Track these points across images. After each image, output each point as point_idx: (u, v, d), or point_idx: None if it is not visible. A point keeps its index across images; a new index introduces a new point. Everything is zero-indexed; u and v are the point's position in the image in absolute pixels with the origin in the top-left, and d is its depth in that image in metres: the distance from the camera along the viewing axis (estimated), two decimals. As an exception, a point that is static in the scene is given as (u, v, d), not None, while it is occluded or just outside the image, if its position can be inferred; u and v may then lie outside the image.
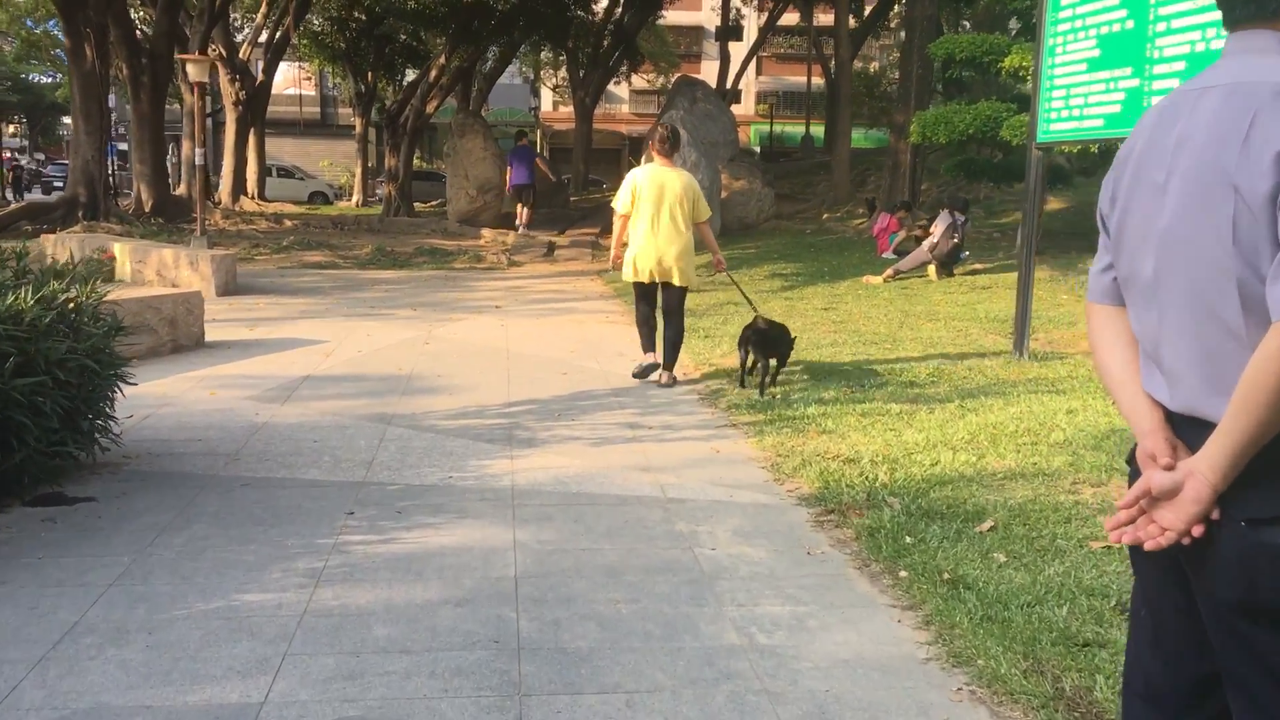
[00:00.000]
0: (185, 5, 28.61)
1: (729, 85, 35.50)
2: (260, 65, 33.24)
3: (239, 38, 35.46)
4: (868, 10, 32.05)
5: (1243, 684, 1.73)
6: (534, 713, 2.95)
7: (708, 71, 44.09)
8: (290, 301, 11.95)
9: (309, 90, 52.59)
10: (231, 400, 6.84)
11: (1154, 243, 1.80)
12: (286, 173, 43.65)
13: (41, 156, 60.52)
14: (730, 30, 36.67)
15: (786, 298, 12.39)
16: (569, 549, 4.24)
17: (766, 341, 7.21)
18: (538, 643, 3.38)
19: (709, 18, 55.20)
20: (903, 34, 47.59)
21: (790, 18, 42.72)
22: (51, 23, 40.58)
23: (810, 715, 2.97)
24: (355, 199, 37.67)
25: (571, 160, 34.94)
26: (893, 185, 18.19)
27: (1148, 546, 1.76)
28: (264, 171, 35.56)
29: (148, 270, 13.20)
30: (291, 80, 50.79)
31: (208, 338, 9.08)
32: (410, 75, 32.21)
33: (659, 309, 7.67)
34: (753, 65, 43.30)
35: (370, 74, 34.56)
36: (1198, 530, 1.70)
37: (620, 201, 7.48)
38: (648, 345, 7.77)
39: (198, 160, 16.90)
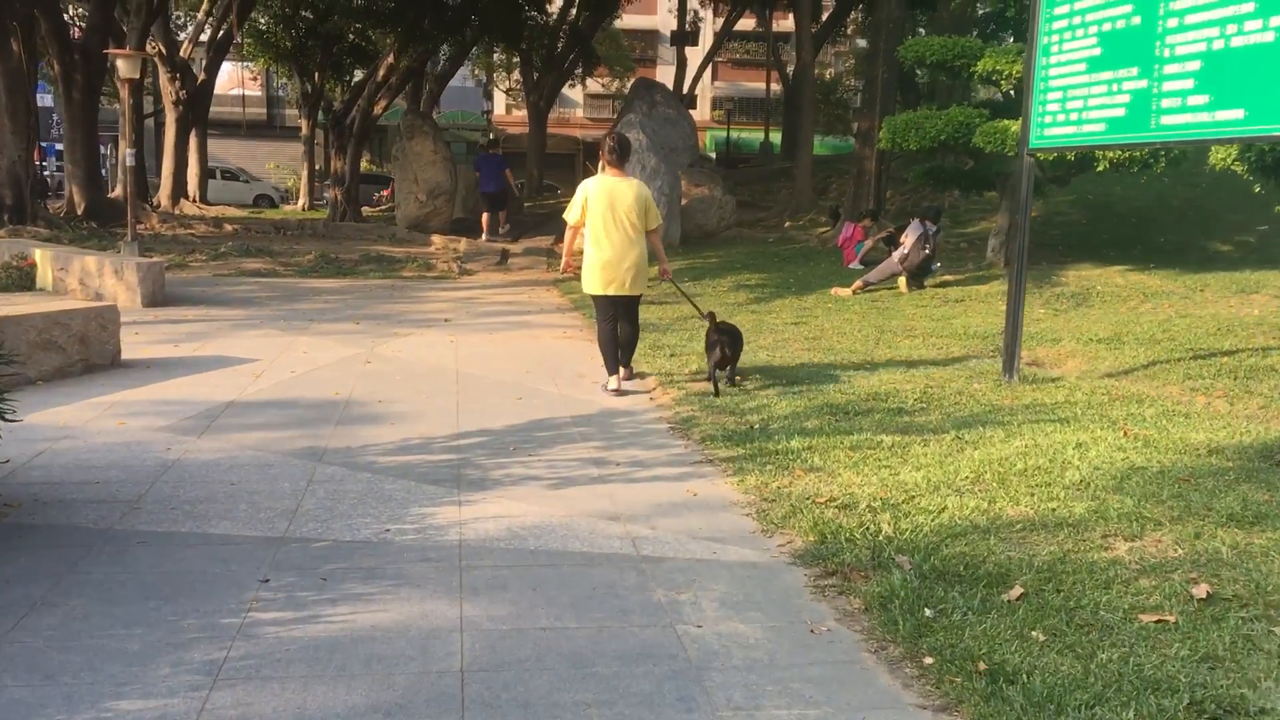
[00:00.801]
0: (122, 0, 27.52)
1: (685, 90, 34.96)
2: (202, 64, 32.15)
3: (181, 35, 34.32)
4: (825, 15, 31.63)
5: None
6: None
7: (663, 76, 43.53)
8: (223, 314, 11.11)
9: (255, 91, 51.29)
10: (141, 431, 6.05)
11: None
12: (231, 175, 42.48)
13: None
14: (686, 35, 36.08)
15: (753, 310, 11.76)
16: (527, 629, 3.54)
17: (736, 340, 7.59)
18: (489, 771, 2.67)
19: (665, 21, 54.76)
20: (858, 41, 47.40)
21: (747, 22, 42.35)
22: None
23: None
24: (301, 203, 36.65)
25: (525, 165, 34.14)
26: (857, 193, 17.66)
27: None
28: (205, 174, 34.42)
29: (70, 279, 12.28)
30: (237, 80, 49.53)
31: (126, 355, 8.25)
32: (359, 75, 31.23)
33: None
34: (708, 70, 42.83)
35: (317, 74, 33.56)
36: None
37: (571, 213, 7.44)
38: (611, 365, 7.63)
39: (129, 161, 15.96)
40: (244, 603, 3.68)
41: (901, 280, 13.17)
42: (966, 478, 5.22)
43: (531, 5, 27.56)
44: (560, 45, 32.12)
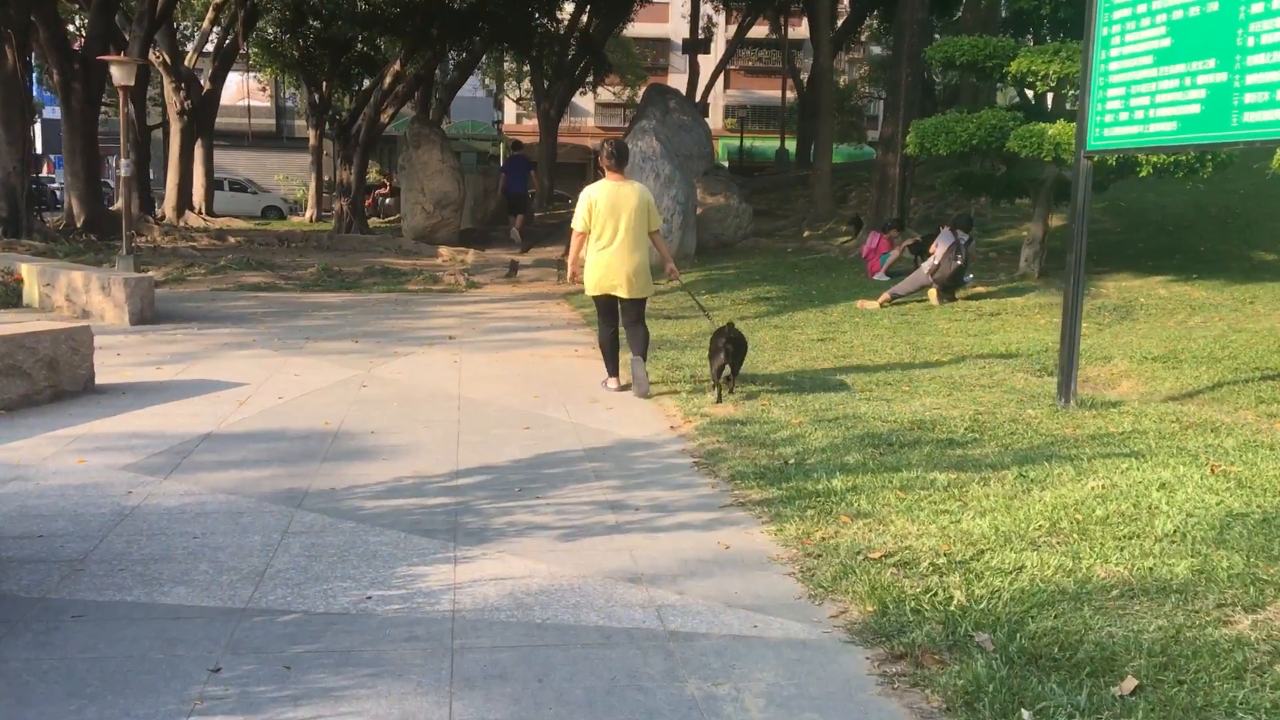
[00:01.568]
0: (125, 8, 27.03)
1: (698, 98, 34.32)
2: (208, 74, 31.65)
3: (187, 45, 33.85)
4: (840, 21, 30.95)
5: None
6: None
7: (675, 84, 42.82)
8: (214, 332, 10.48)
9: (263, 101, 50.87)
10: (102, 471, 5.39)
11: None
12: (239, 187, 42.01)
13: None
14: (699, 42, 35.44)
15: (775, 325, 11.08)
16: (531, 739, 2.86)
17: (740, 348, 7.38)
18: None
19: (676, 29, 54.22)
20: (872, 48, 46.74)
21: (759, 30, 41.71)
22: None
23: None
24: (309, 214, 36.06)
25: (536, 175, 33.54)
26: (880, 201, 16.97)
27: None
28: (211, 185, 33.91)
29: (56, 295, 11.69)
30: (246, 91, 49.13)
31: (102, 380, 7.61)
32: (368, 85, 30.67)
33: (620, 325, 7.77)
34: (720, 78, 42.20)
35: (325, 83, 33.01)
36: None
37: (578, 219, 7.50)
38: (612, 369, 7.80)
39: (124, 172, 15.36)
40: (186, 702, 3.01)
41: (932, 292, 12.47)
42: (1040, 527, 4.52)
43: (542, 12, 26.97)
44: (571, 52, 31.52)
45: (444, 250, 19.60)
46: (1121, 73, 6.65)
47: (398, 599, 3.79)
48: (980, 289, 13.04)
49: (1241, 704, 2.99)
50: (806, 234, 19.27)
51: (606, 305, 7.64)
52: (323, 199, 36.69)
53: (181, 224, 28.03)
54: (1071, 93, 12.05)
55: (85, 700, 3.02)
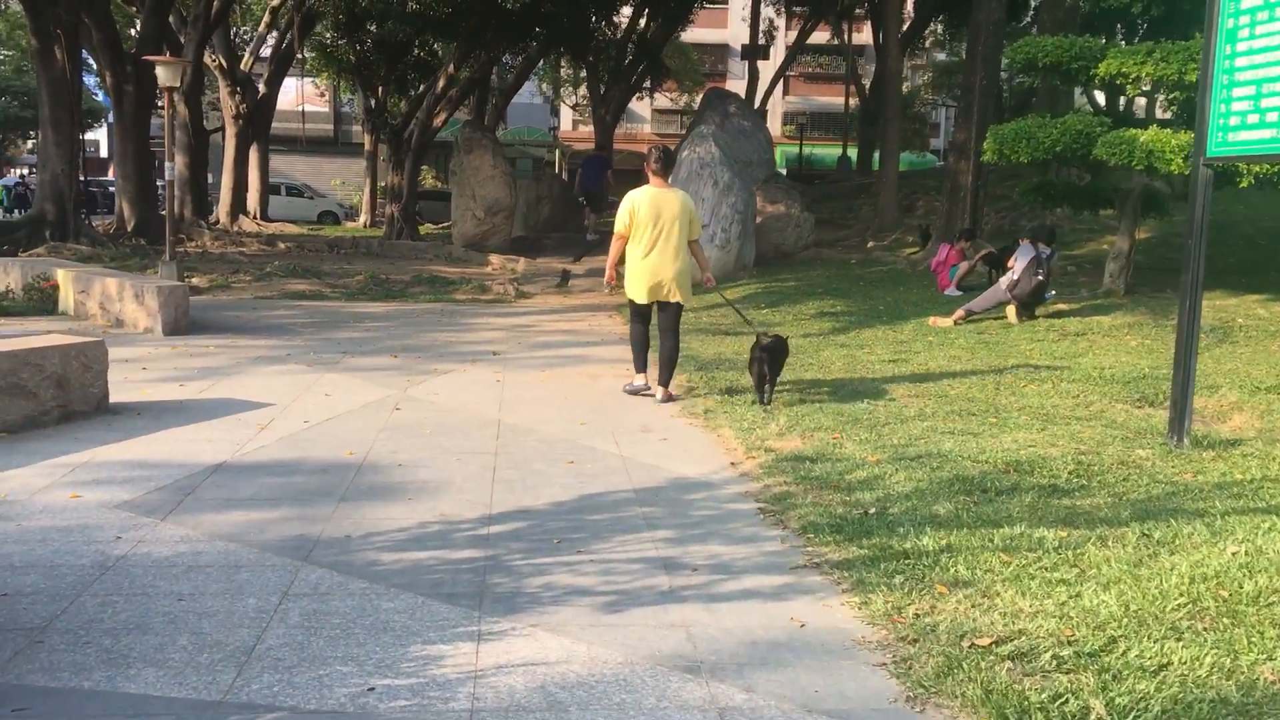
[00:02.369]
0: (181, 10, 26.92)
1: (757, 105, 33.57)
2: (264, 78, 31.52)
3: (245, 50, 33.78)
4: (905, 25, 30.02)
5: None
6: None
7: (733, 90, 42.21)
8: (249, 344, 9.96)
9: (321, 107, 50.92)
10: (94, 509, 4.81)
11: None
12: (296, 192, 42.00)
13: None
14: (758, 48, 34.67)
15: (842, 344, 10.32)
16: None
17: (776, 357, 7.38)
18: None
19: (735, 35, 53.46)
20: (937, 54, 45.64)
21: (820, 35, 40.86)
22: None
23: None
24: (364, 219, 35.87)
25: (612, 175, 32.97)
26: (951, 211, 16.11)
27: None
28: (266, 190, 33.81)
29: (90, 302, 11.29)
30: (304, 96, 49.24)
31: (120, 398, 7.09)
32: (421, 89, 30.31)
33: (654, 325, 7.79)
34: (779, 84, 41.37)
35: (381, 89, 32.74)
36: None
37: (619, 223, 7.55)
38: (641, 365, 7.88)
39: (169, 175, 15.00)
40: (123, 845, 2.37)
41: (1010, 309, 11.63)
42: (1180, 605, 3.76)
43: (599, 14, 26.42)
44: (628, 58, 30.94)
45: (494, 258, 19.06)
46: (1250, 69, 5.84)
47: (406, 692, 3.13)
48: (1062, 306, 12.16)
49: None
50: (871, 245, 18.45)
51: (641, 310, 7.76)
52: (377, 204, 36.47)
53: (235, 228, 27.87)
54: (1170, 95, 11.15)
55: (-1, 838, 2.40)
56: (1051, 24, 17.13)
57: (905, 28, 29.42)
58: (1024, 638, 3.51)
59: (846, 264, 17.06)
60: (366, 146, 36.13)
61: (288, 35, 30.19)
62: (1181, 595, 3.85)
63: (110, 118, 43.16)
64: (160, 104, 35.53)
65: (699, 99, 35.11)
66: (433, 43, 29.16)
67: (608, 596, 3.92)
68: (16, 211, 36.62)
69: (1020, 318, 11.57)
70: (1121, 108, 13.98)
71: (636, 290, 7.57)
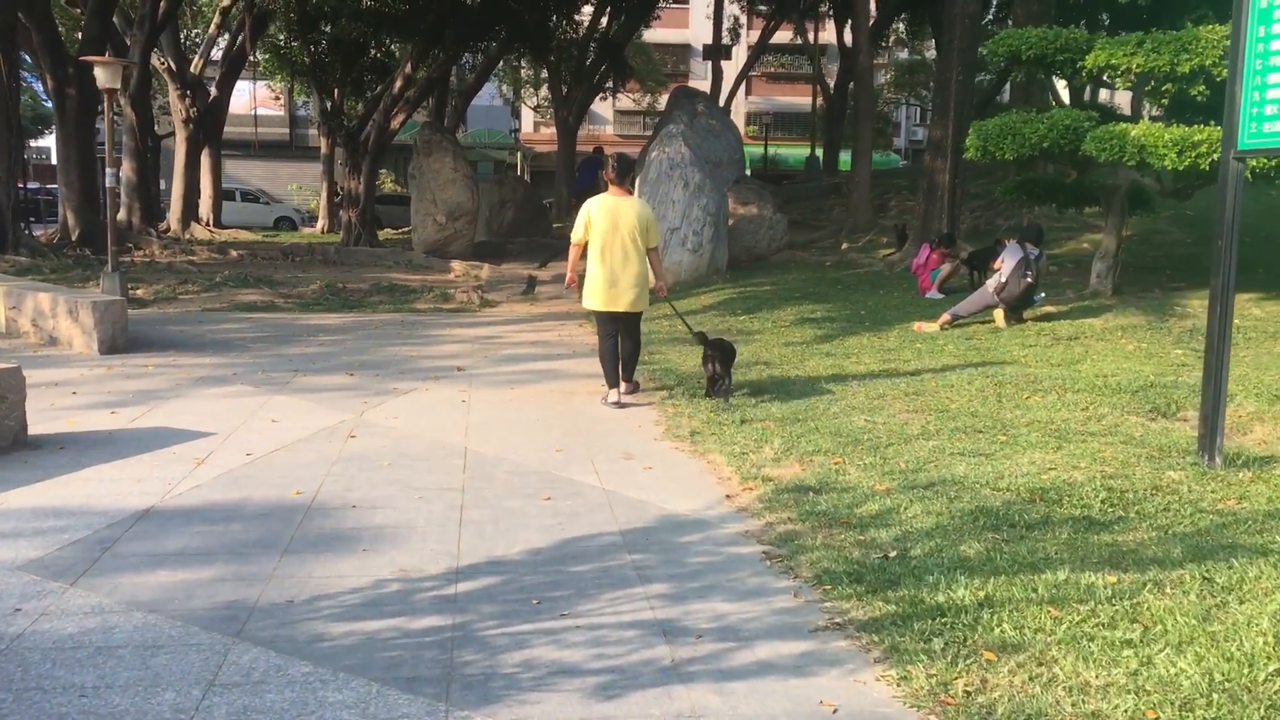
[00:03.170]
0: (127, 11, 25.98)
1: (721, 105, 33.03)
2: (215, 81, 30.56)
3: (196, 53, 32.77)
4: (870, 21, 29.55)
5: None
6: None
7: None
8: (192, 362, 9.24)
9: (276, 110, 49.87)
10: (-6, 572, 4.13)
11: None
12: (251, 197, 40.97)
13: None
14: (721, 48, 34.15)
15: (827, 353, 9.76)
16: None
17: (727, 356, 7.66)
18: None
19: (698, 35, 52.98)
20: (896, 52, 45.39)
21: (782, 35, 40.42)
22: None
23: None
24: (321, 225, 34.98)
25: (554, 184, 32.34)
26: (928, 211, 15.61)
27: None
28: (219, 196, 32.82)
29: (22, 319, 10.51)
30: (259, 100, 48.20)
31: (39, 429, 6.38)
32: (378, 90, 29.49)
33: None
34: (741, 85, 40.89)
35: (337, 90, 31.87)
36: None
37: (576, 231, 7.62)
38: (612, 380, 7.78)
39: (108, 182, 14.22)
40: None
41: (998, 313, 11.12)
42: (1275, 672, 3.20)
43: (560, 12, 25.77)
44: (590, 57, 30.31)
45: (457, 265, 18.37)
46: (1287, 53, 5.32)
47: (355, 825, 2.49)
48: (1050, 309, 11.67)
49: None
50: (845, 246, 17.93)
51: (607, 320, 7.75)
52: (334, 209, 35.59)
53: (187, 236, 26.94)
54: (1162, 86, 10.69)
55: None
56: (1026, 17, 16.69)
57: (870, 24, 28.99)
58: (1101, 722, 2.94)
59: (821, 266, 16.53)
60: (323, 150, 35.25)
61: (239, 37, 29.29)
62: (1271, 659, 3.29)
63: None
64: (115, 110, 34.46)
65: (662, 100, 34.50)
66: (390, 43, 28.39)
67: (599, 676, 3.30)
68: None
69: (1009, 321, 11.08)
70: (1085, 102, 13.51)
71: (594, 298, 7.61)
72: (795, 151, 49.71)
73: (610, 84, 33.70)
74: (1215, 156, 10.37)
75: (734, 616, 3.79)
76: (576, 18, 29.15)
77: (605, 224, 7.46)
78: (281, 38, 31.59)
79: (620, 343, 7.74)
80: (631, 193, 7.78)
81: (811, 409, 7.27)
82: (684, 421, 6.98)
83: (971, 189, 19.02)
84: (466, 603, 3.88)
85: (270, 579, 4.08)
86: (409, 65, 21.19)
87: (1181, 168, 10.50)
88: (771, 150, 47.52)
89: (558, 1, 23.96)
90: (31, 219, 22.96)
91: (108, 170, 14.06)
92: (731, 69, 39.68)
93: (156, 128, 37.02)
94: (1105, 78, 11.27)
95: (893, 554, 4.32)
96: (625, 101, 48.59)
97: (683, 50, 55.06)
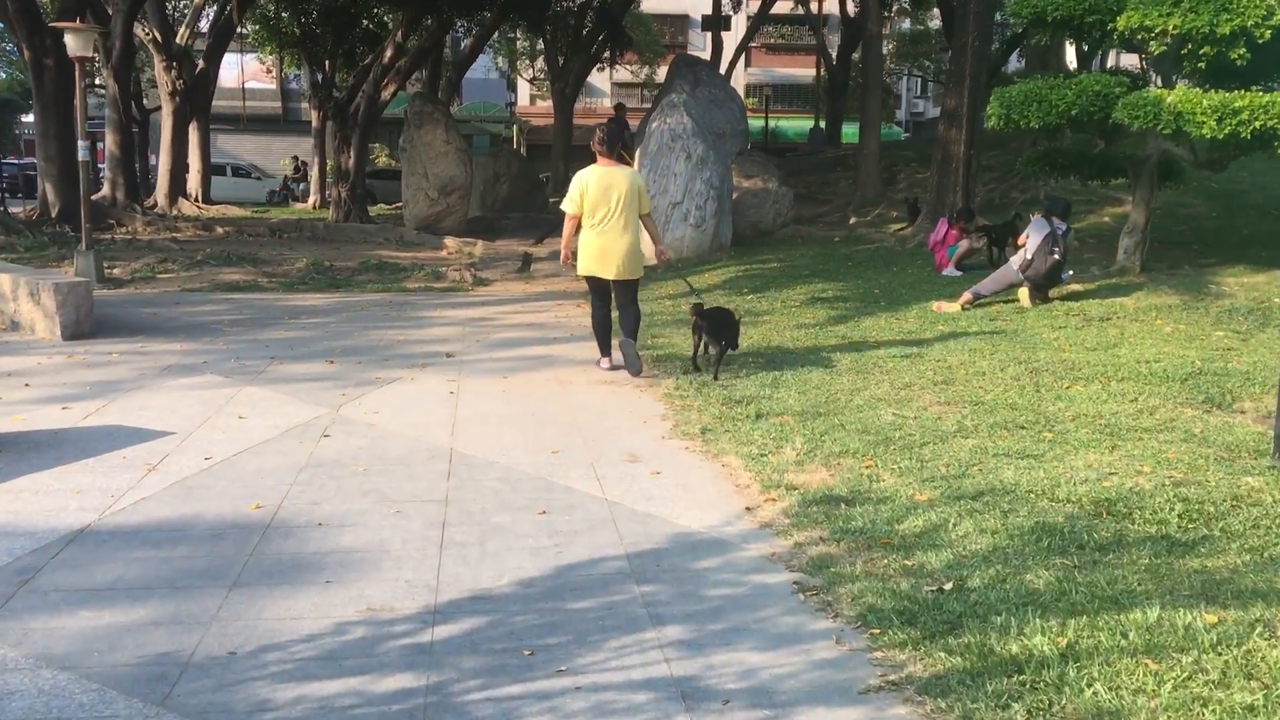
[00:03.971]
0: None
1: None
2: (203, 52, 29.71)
3: (184, 25, 31.88)
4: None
5: None
6: None
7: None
8: (161, 349, 8.57)
9: (269, 84, 48.93)
10: (-116, 614, 3.48)
11: None
12: (243, 172, 40.16)
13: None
14: (720, 18, 33.25)
15: (843, 336, 9.11)
16: None
17: (717, 328, 7.40)
18: None
19: (695, 5, 51.97)
20: (902, 23, 44.40)
21: (783, 5, 39.50)
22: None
23: None
24: (313, 200, 34.19)
25: (550, 157, 31.55)
26: (942, 183, 14.91)
27: None
28: (208, 170, 32.03)
29: (-17, 302, 9.80)
30: (251, 73, 47.31)
31: (-20, 428, 5.72)
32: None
33: (614, 307, 7.85)
34: (741, 56, 40.00)
35: (328, 63, 31.01)
36: None
37: (569, 202, 7.64)
38: (605, 349, 7.95)
39: (81, 155, 13.51)
40: None
41: (1023, 292, 10.46)
42: None
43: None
44: (587, 27, 29.45)
45: (449, 241, 17.66)
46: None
47: None
48: (1076, 287, 11.00)
49: None
50: (854, 220, 17.23)
51: (599, 286, 7.78)
52: (326, 184, 34.80)
53: (175, 212, 26.18)
54: (1200, 50, 9.97)
55: None
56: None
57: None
58: (1247, 834, 2.30)
59: (830, 242, 15.83)
60: (314, 124, 34.42)
61: (227, 7, 28.41)
62: None
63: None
64: (93, 80, 33.56)
65: (661, 72, 33.61)
66: (381, 14, 27.55)
67: (607, 761, 2.66)
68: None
69: (1034, 301, 10.41)
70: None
71: (588, 264, 7.63)
72: (796, 124, 48.87)
73: (608, 55, 32.87)
74: (1259, 124, 9.72)
75: (766, 672, 3.14)
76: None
77: (598, 193, 7.48)
78: (271, 8, 30.71)
79: (621, 315, 7.76)
80: (623, 161, 7.80)
81: (833, 401, 6.62)
82: (694, 416, 6.33)
83: (984, 160, 18.28)
84: (445, 654, 3.23)
85: (212, 622, 3.43)
86: (399, 34, 20.39)
87: (1221, 136, 9.81)
88: (772, 123, 46.62)
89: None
90: (19, 194, 22.19)
91: (80, 143, 13.38)
92: (731, 40, 38.76)
93: (145, 101, 36.25)
94: (1138, 40, 10.54)
95: (948, 586, 3.68)
96: (623, 74, 47.68)
97: (681, 21, 54.07)
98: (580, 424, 6.23)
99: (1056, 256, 10.26)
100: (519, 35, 41.47)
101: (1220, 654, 3.15)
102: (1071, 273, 10.86)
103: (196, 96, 29.12)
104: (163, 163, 28.37)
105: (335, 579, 3.81)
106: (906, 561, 3.93)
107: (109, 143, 24.42)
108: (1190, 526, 4.26)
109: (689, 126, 14.75)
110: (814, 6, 37.24)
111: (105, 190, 24.97)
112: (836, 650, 3.29)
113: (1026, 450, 5.42)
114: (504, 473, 5.20)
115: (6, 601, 3.59)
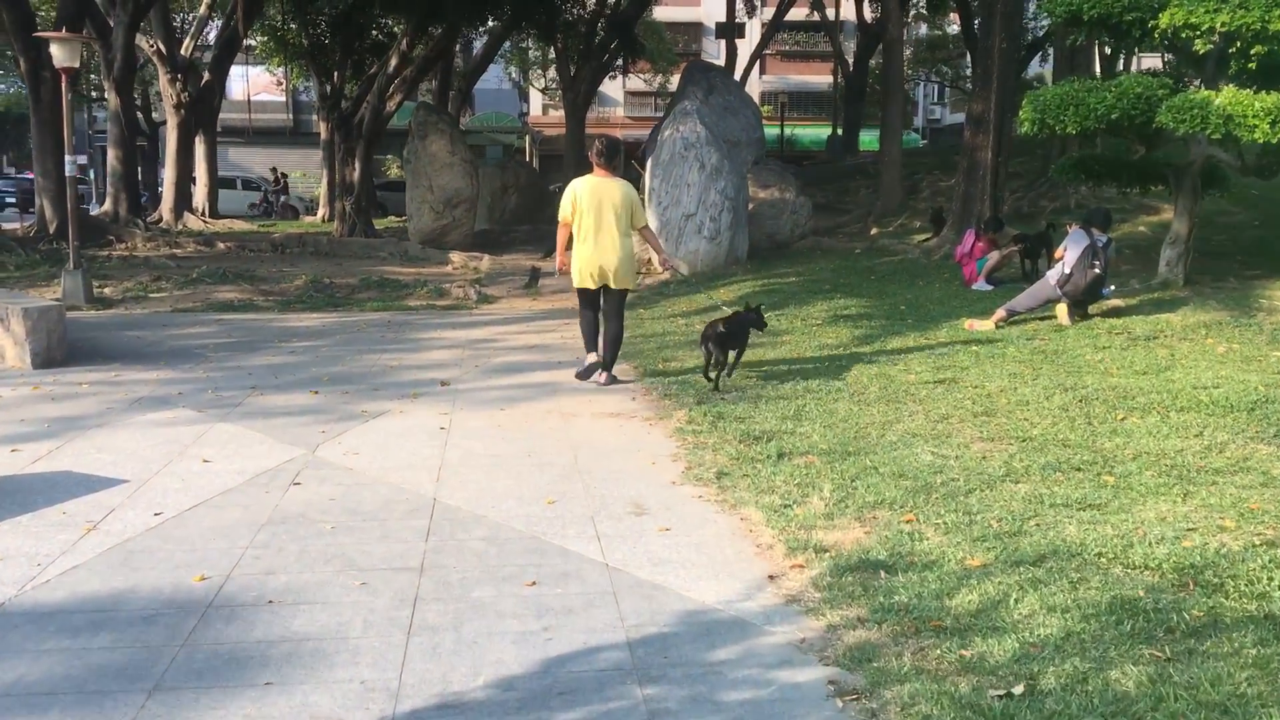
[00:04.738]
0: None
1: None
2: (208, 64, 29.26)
3: (188, 37, 31.46)
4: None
5: None
6: None
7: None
8: (135, 378, 7.98)
9: (279, 96, 48.60)
10: None
11: None
12: (253, 185, 39.73)
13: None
14: (734, 26, 32.63)
15: (870, 359, 8.44)
16: None
17: (724, 341, 7.40)
18: None
19: (709, 13, 51.53)
20: (919, 28, 43.72)
21: (798, 12, 38.89)
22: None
23: None
24: (321, 213, 33.70)
25: (562, 167, 30.96)
26: (968, 192, 14.24)
27: None
28: (215, 184, 31.54)
29: (-46, 327, 9.22)
30: (261, 86, 46.98)
31: (-88, 477, 5.12)
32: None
33: (601, 313, 7.89)
34: (756, 64, 39.40)
35: (336, 74, 30.52)
36: None
37: (562, 211, 7.71)
38: (591, 345, 8.02)
39: (69, 170, 13.00)
40: None
41: (1061, 309, 9.76)
42: None
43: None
44: (599, 35, 28.88)
45: (455, 256, 17.07)
46: None
47: None
48: (1118, 303, 10.32)
49: None
50: (875, 231, 16.57)
51: (589, 297, 7.90)
52: (334, 197, 34.31)
53: (180, 226, 25.72)
54: (1251, 49, 9.29)
55: None
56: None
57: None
58: None
59: (851, 254, 15.17)
60: (323, 135, 33.95)
61: (233, 18, 27.96)
62: None
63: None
64: (95, 94, 33.12)
65: (674, 80, 33.00)
66: (390, 24, 27.07)
67: None
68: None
69: (1073, 318, 9.72)
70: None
71: (580, 276, 7.72)
72: (812, 132, 48.24)
73: (620, 63, 32.29)
74: (1318, 127, 9.04)
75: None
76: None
77: (590, 203, 7.55)
78: (278, 19, 30.26)
79: (604, 325, 7.83)
80: (618, 174, 7.86)
81: (863, 436, 5.97)
82: (708, 456, 5.68)
83: (1011, 167, 17.60)
84: (397, 792, 2.59)
85: (118, 745, 2.80)
86: (405, 43, 19.85)
87: (1276, 140, 9.12)
88: (788, 131, 45.98)
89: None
90: (30, 209, 21.76)
91: (67, 158, 12.84)
92: (745, 47, 38.16)
93: (155, 114, 35.87)
94: (1181, 39, 9.86)
95: (1018, 689, 3.02)
96: (636, 83, 47.13)
97: (695, 29, 53.57)
98: (582, 466, 5.59)
99: (1097, 270, 9.58)
100: (530, 44, 40.97)
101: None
102: (1113, 287, 10.18)
103: (202, 109, 28.68)
104: (168, 176, 27.94)
105: (278, 679, 3.17)
106: (964, 652, 3.27)
107: (111, 157, 23.98)
108: (1298, 602, 3.59)
109: (702, 135, 14.13)
110: (830, 13, 36.56)
111: (108, 205, 24.51)
112: (886, 785, 2.63)
113: (1087, 499, 4.75)
114: (492, 530, 4.56)
115: (-124, 714, 2.97)
